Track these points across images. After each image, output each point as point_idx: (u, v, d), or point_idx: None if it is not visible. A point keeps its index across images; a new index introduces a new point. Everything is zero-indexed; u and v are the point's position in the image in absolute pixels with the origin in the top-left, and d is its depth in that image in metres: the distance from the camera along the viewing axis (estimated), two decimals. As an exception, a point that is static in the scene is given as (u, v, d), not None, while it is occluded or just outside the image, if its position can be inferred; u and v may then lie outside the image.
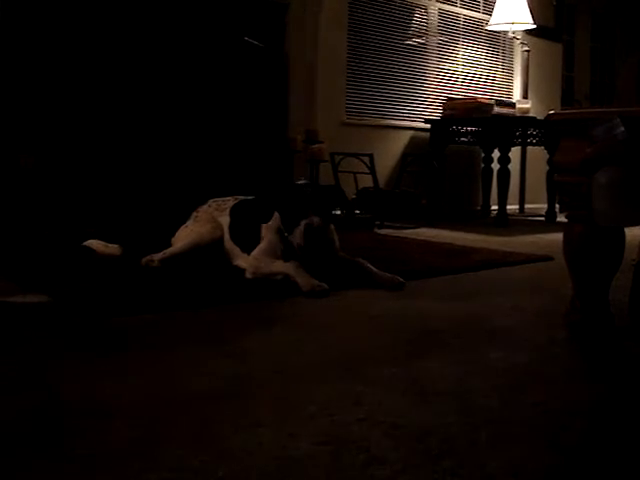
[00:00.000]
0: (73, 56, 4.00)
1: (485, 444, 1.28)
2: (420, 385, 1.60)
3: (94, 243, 3.25)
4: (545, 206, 6.34)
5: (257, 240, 2.94)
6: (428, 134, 6.09)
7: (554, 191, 6.05)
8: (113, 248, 3.22)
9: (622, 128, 1.81)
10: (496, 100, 5.93)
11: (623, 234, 2.03)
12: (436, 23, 6.40)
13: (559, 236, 2.18)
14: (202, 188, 3.82)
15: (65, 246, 3.39)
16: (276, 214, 2.89)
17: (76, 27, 4.00)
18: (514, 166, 6.12)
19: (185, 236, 3.12)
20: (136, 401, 1.46)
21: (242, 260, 2.99)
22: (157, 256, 3.03)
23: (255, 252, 2.90)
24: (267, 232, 2.92)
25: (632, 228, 2.18)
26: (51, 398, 1.47)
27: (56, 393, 1.51)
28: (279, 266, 2.76)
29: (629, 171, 1.82)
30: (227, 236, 3.12)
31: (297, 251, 2.76)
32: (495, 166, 5.78)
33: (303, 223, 2.71)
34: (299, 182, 2.88)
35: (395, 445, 1.26)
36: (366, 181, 5.22)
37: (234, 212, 3.18)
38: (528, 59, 6.98)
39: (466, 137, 5.96)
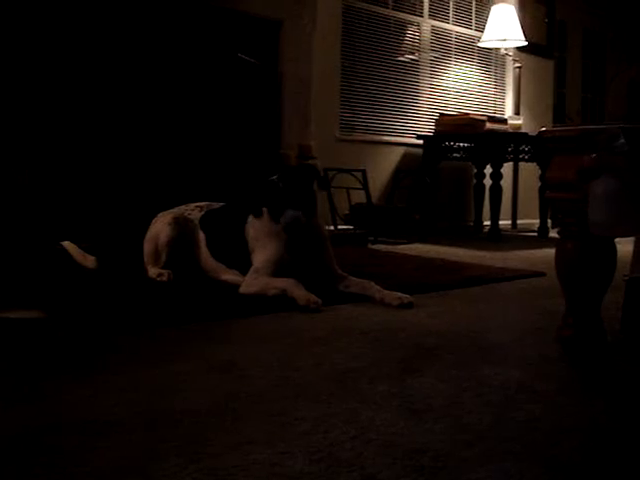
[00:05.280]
0: (69, 72, 4.01)
1: (478, 461, 1.28)
2: (413, 402, 1.60)
3: (71, 247, 3.23)
4: (537, 222, 6.37)
5: (241, 251, 2.92)
6: (421, 150, 6.12)
7: (546, 207, 6.09)
8: (90, 260, 3.22)
9: (622, 140, 1.83)
10: (488, 116, 5.98)
11: (615, 250, 2.04)
12: (429, 40, 6.45)
13: (551, 252, 2.19)
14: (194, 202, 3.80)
15: (40, 248, 3.34)
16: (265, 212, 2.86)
17: (70, 43, 4.01)
18: (506, 182, 6.16)
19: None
20: (131, 417, 1.46)
21: (232, 275, 2.97)
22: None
23: (258, 264, 2.83)
24: (265, 236, 2.85)
25: (624, 244, 2.19)
26: (45, 414, 1.47)
27: (50, 409, 1.50)
28: (277, 282, 2.73)
29: (627, 182, 1.83)
30: (207, 254, 3.08)
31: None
32: (487, 182, 5.82)
33: (282, 220, 2.71)
34: (271, 178, 2.84)
35: (388, 462, 1.26)
36: (359, 197, 5.24)
37: (207, 225, 3.13)
38: (520, 76, 7.04)
39: (458, 153, 5.99)
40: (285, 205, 2.73)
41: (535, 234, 6.31)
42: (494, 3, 6.62)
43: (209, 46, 4.63)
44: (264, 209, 2.86)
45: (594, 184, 1.86)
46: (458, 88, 6.75)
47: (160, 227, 3.13)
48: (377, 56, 5.99)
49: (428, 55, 6.45)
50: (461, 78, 6.77)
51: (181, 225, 3.12)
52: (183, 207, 3.25)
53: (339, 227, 5.08)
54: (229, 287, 2.88)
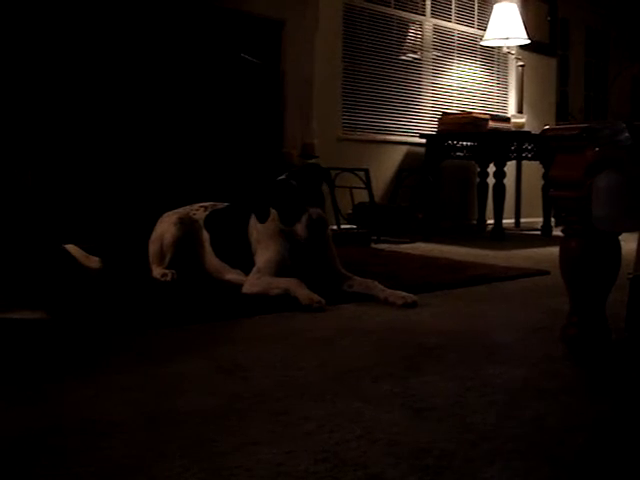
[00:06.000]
0: (72, 73, 4.01)
1: (483, 460, 1.27)
2: (417, 401, 1.59)
3: (74, 251, 3.22)
4: (541, 220, 6.36)
5: (245, 251, 2.92)
6: (423, 149, 6.11)
7: (550, 205, 6.08)
8: (94, 261, 3.21)
9: (627, 134, 1.82)
10: (491, 115, 5.97)
11: (619, 248, 2.03)
12: (431, 39, 6.44)
13: (555, 250, 2.19)
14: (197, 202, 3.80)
15: (44, 249, 3.33)
16: (273, 213, 2.85)
17: (74, 44, 4.01)
18: (510, 180, 6.15)
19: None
20: (135, 417, 1.45)
21: (236, 274, 2.97)
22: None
23: (260, 264, 2.83)
24: (268, 238, 2.85)
25: (627, 242, 2.19)
26: (48, 415, 1.47)
27: (53, 410, 1.50)
28: (280, 282, 2.73)
29: (631, 176, 1.82)
30: (211, 254, 3.08)
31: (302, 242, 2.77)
32: (491, 180, 5.80)
33: (305, 218, 2.70)
34: (280, 178, 2.84)
35: (393, 462, 1.26)
36: (362, 196, 5.24)
37: (211, 225, 3.14)
38: (523, 74, 7.02)
39: (461, 152, 5.99)
40: (302, 205, 2.73)
41: (539, 233, 6.30)
42: (496, 1, 6.60)
43: (212, 46, 4.63)
44: (272, 210, 2.84)
45: (597, 178, 1.85)
46: (461, 87, 6.74)
47: (166, 227, 3.14)
48: (379, 55, 5.98)
49: (430, 54, 6.45)
50: (464, 77, 6.76)
51: (186, 225, 3.13)
52: (188, 207, 3.26)
53: (342, 226, 5.08)
54: (232, 287, 2.88)
